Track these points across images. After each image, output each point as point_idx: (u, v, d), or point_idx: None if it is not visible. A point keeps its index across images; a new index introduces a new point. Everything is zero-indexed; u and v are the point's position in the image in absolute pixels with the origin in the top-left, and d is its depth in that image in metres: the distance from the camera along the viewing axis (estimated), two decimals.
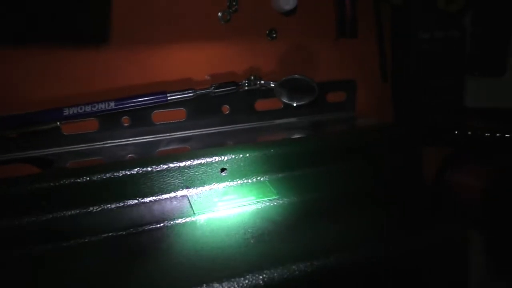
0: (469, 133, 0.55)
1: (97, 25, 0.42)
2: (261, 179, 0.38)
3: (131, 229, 0.32)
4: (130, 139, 0.44)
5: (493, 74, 0.53)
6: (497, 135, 0.54)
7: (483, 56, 0.53)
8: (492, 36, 0.52)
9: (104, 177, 0.33)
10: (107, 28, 0.41)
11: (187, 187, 0.36)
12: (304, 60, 0.50)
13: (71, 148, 0.42)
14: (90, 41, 0.41)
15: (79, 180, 0.33)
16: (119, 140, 0.44)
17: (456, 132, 0.54)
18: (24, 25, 0.39)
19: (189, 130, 0.46)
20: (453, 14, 0.50)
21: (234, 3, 0.45)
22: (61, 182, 0.32)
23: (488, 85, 0.53)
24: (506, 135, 0.53)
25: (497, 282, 0.55)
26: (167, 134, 0.45)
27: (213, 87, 0.45)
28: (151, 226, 0.33)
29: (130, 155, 0.41)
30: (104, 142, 0.43)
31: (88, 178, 0.33)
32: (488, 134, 0.54)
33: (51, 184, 0.32)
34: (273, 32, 0.48)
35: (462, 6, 0.48)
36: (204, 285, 0.27)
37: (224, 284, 0.27)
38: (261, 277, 0.28)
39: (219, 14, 0.46)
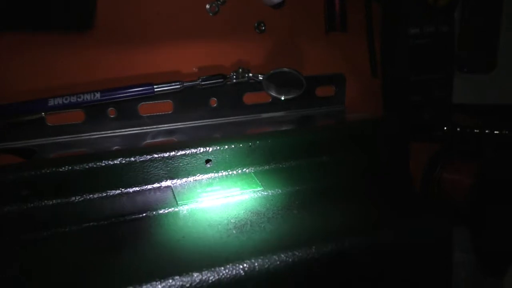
0: (458, 129, 0.55)
1: (82, 11, 0.41)
2: (246, 171, 0.38)
3: (113, 219, 0.32)
4: (116, 131, 0.44)
5: (481, 70, 0.53)
6: (486, 131, 0.54)
7: (471, 53, 0.53)
8: (481, 32, 0.53)
9: (87, 166, 0.33)
10: (92, 14, 0.41)
11: (171, 178, 0.36)
12: (293, 54, 0.50)
13: (56, 139, 0.42)
14: (75, 28, 0.41)
15: (60, 170, 0.32)
16: (105, 132, 0.44)
17: (444, 128, 0.54)
18: (7, 11, 0.39)
19: (176, 122, 0.46)
20: (442, 9, 0.50)
21: None
22: (43, 171, 0.32)
23: (477, 81, 0.53)
24: (495, 132, 0.53)
25: (483, 278, 0.56)
26: (154, 127, 0.45)
27: (200, 80, 0.45)
28: (133, 216, 0.33)
29: (115, 147, 0.41)
30: (90, 134, 0.43)
31: (70, 168, 0.33)
32: (477, 131, 0.54)
33: (32, 173, 0.32)
34: (262, 25, 0.48)
35: (450, 1, 0.48)
36: (184, 273, 0.27)
37: (203, 273, 0.27)
38: (241, 266, 0.28)
39: (207, 6, 0.45)
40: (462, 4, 0.51)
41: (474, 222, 0.54)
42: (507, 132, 0.53)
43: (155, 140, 0.43)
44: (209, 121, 0.47)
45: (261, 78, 0.47)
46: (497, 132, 0.53)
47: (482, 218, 0.54)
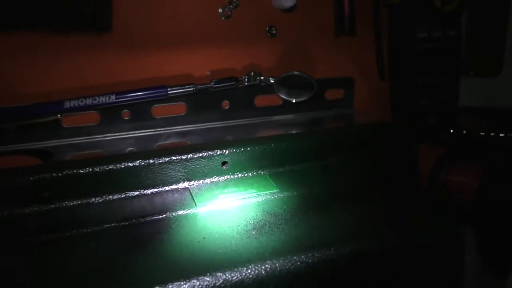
0: (464, 132, 0.55)
1: (99, 12, 0.42)
2: (262, 173, 0.39)
3: (133, 220, 0.33)
4: (130, 132, 0.44)
5: (488, 74, 0.54)
6: (492, 134, 0.55)
7: (478, 56, 0.54)
8: (487, 36, 0.53)
9: (107, 168, 0.34)
10: (109, 16, 0.41)
11: (189, 180, 0.36)
12: (303, 57, 0.50)
13: (71, 140, 0.42)
14: (92, 29, 0.41)
15: (81, 171, 0.33)
16: (119, 134, 0.44)
17: (451, 131, 0.55)
18: (24, 10, 0.39)
19: (189, 124, 0.46)
20: (450, 14, 0.50)
21: (235, 0, 0.46)
22: (64, 173, 0.32)
23: (483, 84, 0.54)
24: (501, 134, 0.54)
25: (489, 280, 0.56)
26: (167, 128, 0.45)
27: (213, 82, 0.45)
28: (153, 217, 0.33)
29: (129, 148, 0.42)
30: (104, 135, 0.43)
31: (90, 170, 0.33)
32: (483, 133, 0.55)
33: (54, 175, 0.32)
34: (273, 28, 0.48)
35: (458, 5, 0.49)
36: (208, 274, 0.27)
37: (227, 273, 0.27)
38: (263, 267, 0.28)
39: (219, 10, 0.46)
40: (469, 8, 0.52)
41: (479, 224, 0.55)
42: None
43: (168, 142, 0.44)
44: (221, 123, 0.47)
45: (272, 81, 0.47)
46: (503, 135, 0.54)
47: (487, 220, 0.54)
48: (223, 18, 0.46)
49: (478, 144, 0.55)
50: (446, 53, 0.52)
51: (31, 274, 0.28)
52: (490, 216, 0.54)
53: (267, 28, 0.48)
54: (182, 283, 0.26)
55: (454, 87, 0.54)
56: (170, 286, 0.26)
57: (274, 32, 0.48)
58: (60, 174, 0.32)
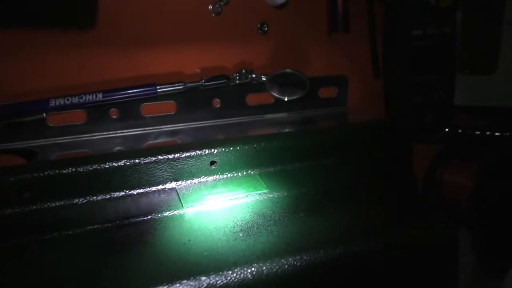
0: (459, 131, 0.55)
1: (83, 9, 0.41)
2: (252, 172, 0.38)
3: (117, 222, 0.32)
4: (119, 131, 0.43)
5: (483, 72, 0.53)
6: (487, 133, 0.54)
7: (473, 55, 0.53)
8: (483, 34, 0.53)
9: (90, 168, 0.33)
10: (94, 12, 0.40)
11: (176, 180, 0.35)
12: (296, 55, 0.50)
13: (57, 140, 0.41)
14: (75, 25, 0.40)
15: (63, 171, 0.32)
16: (107, 133, 0.43)
17: (446, 129, 0.54)
18: (6, 8, 0.38)
19: (179, 123, 0.45)
20: (445, 11, 0.50)
21: None
22: (45, 173, 0.32)
23: (479, 83, 0.53)
24: (496, 133, 0.53)
25: (484, 280, 0.56)
26: (157, 127, 0.45)
27: (203, 80, 0.44)
28: (138, 219, 0.32)
29: (118, 148, 0.41)
30: (92, 135, 0.42)
31: (73, 169, 0.32)
32: (478, 132, 0.54)
33: (35, 175, 0.31)
34: (265, 25, 0.47)
35: (452, 1, 0.48)
36: (191, 277, 0.26)
37: (211, 277, 0.26)
38: (249, 270, 0.27)
39: (210, 7, 0.45)
40: (464, 5, 0.51)
41: (475, 224, 0.54)
42: (508, 134, 0.53)
43: (157, 141, 0.43)
44: (212, 122, 0.47)
45: (264, 79, 0.46)
46: (498, 134, 0.53)
47: (483, 220, 0.54)
48: (213, 14, 0.45)
49: (474, 143, 0.55)
50: (441, 50, 0.51)
51: (10, 277, 0.27)
52: (486, 215, 0.53)
53: (259, 25, 0.47)
54: (165, 287, 0.25)
55: (449, 85, 0.53)
56: None
57: (266, 29, 0.47)
58: (41, 174, 0.31)
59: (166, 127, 0.45)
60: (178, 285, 0.26)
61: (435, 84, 0.52)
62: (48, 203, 0.32)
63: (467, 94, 0.54)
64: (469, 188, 0.54)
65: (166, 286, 0.25)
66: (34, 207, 0.32)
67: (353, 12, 0.49)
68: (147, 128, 0.44)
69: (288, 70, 0.47)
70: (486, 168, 0.54)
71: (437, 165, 0.57)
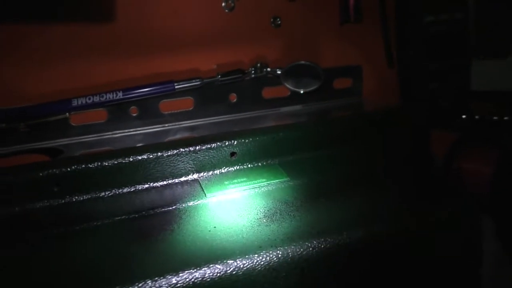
0: (477, 117, 0.54)
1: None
2: (271, 162, 0.38)
3: (143, 212, 0.33)
4: (139, 129, 0.44)
5: (497, 56, 0.53)
6: (505, 118, 0.53)
7: (488, 39, 0.53)
8: (495, 18, 0.52)
9: (115, 162, 0.34)
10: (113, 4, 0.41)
11: (198, 171, 0.36)
12: (309, 47, 0.50)
13: (80, 138, 0.42)
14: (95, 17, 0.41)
15: (90, 166, 0.33)
16: (128, 130, 0.44)
17: (463, 116, 0.54)
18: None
19: (197, 118, 0.46)
20: None
21: None
22: (73, 167, 0.33)
23: (494, 67, 0.53)
24: None
25: (508, 266, 0.55)
26: (175, 123, 0.45)
27: (219, 76, 0.45)
28: (163, 209, 0.33)
29: (139, 144, 0.42)
30: (113, 133, 0.44)
31: (99, 164, 0.33)
32: (496, 118, 0.54)
33: (63, 169, 0.32)
34: (278, 19, 0.48)
35: None
36: (219, 261, 0.27)
37: (238, 260, 0.27)
38: (275, 253, 0.28)
39: (223, 3, 0.46)
40: None
41: (495, 210, 0.53)
42: None
43: (177, 137, 0.44)
44: (229, 117, 0.47)
45: (279, 72, 0.47)
46: None
47: (504, 206, 0.53)
48: (226, 10, 0.46)
49: (491, 128, 0.54)
50: (455, 36, 0.51)
51: (45, 265, 0.28)
52: (507, 202, 0.53)
53: (272, 19, 0.48)
54: (193, 271, 0.26)
55: (465, 71, 0.53)
56: (181, 274, 0.26)
57: (279, 22, 0.48)
58: (69, 169, 0.33)
59: (185, 123, 0.46)
60: (206, 268, 0.26)
61: (450, 70, 0.52)
62: (76, 197, 0.33)
63: (483, 79, 0.54)
64: (488, 174, 0.53)
65: (195, 270, 0.26)
66: (63, 201, 0.33)
67: (365, 1, 0.50)
68: (166, 125, 0.45)
69: (302, 62, 0.47)
70: (505, 153, 0.53)
71: (455, 152, 0.57)
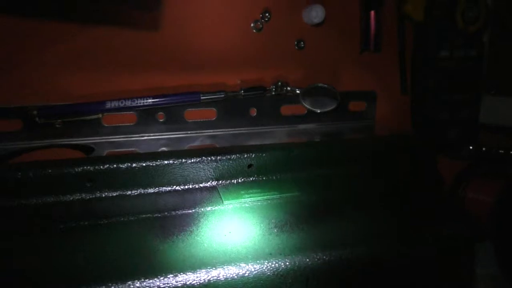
0: (484, 149, 0.57)
1: None
2: (285, 176, 0.41)
3: (165, 213, 0.36)
4: (164, 133, 0.48)
5: (508, 93, 0.55)
6: (511, 152, 0.56)
7: (500, 76, 0.56)
8: (509, 56, 0.55)
9: (143, 164, 0.37)
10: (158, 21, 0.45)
11: (217, 180, 0.39)
12: (329, 70, 0.53)
13: (110, 138, 0.46)
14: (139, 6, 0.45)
15: (121, 166, 0.36)
16: (154, 134, 0.47)
17: (470, 147, 0.56)
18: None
19: (218, 128, 0.49)
20: (472, 35, 0.52)
21: (267, 14, 0.49)
22: (106, 166, 0.36)
23: (504, 103, 0.55)
24: None
25: None
26: (198, 131, 0.49)
27: (242, 91, 0.48)
28: (183, 211, 0.36)
29: (162, 148, 0.45)
30: (140, 135, 0.47)
31: (129, 165, 0.36)
32: (502, 151, 0.56)
33: (97, 167, 0.36)
34: (302, 42, 0.51)
35: (480, 27, 0.51)
36: (232, 263, 0.30)
37: (249, 264, 0.30)
38: (283, 261, 0.31)
39: (251, 24, 0.49)
40: (492, 28, 0.54)
41: (498, 239, 0.55)
42: None
43: (198, 144, 0.47)
44: (248, 129, 0.50)
45: (298, 91, 0.50)
46: None
47: (506, 233, 0.55)
48: (254, 31, 0.49)
49: (498, 161, 0.56)
50: (468, 71, 0.54)
51: (70, 255, 0.31)
52: (508, 229, 0.55)
53: (296, 42, 0.51)
54: (210, 270, 0.29)
55: (474, 104, 0.55)
56: (198, 271, 0.29)
57: (302, 45, 0.51)
58: (102, 167, 0.36)
59: (207, 132, 0.49)
60: (220, 269, 0.29)
61: (461, 102, 0.54)
62: (106, 193, 0.36)
63: (492, 113, 0.56)
64: (492, 205, 0.55)
65: (211, 269, 0.29)
66: (94, 196, 0.36)
67: (384, 32, 0.53)
68: (189, 132, 0.49)
69: (321, 84, 0.50)
70: (509, 186, 0.55)
71: (461, 182, 0.59)
